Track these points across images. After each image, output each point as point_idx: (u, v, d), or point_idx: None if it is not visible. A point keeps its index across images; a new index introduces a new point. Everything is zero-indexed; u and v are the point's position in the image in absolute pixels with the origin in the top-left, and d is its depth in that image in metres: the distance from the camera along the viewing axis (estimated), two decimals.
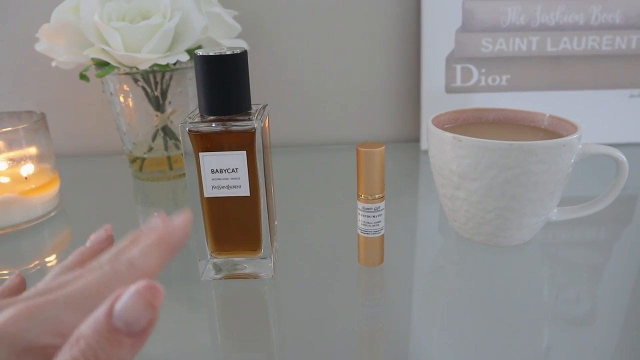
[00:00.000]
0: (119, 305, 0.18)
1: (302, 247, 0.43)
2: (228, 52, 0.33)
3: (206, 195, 0.35)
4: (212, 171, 0.34)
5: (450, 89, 0.64)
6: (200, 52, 0.33)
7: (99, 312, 0.19)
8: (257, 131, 0.34)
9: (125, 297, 0.19)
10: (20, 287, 0.26)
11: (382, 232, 0.38)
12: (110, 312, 0.18)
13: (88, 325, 0.18)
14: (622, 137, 0.64)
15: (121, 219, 0.50)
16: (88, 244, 0.26)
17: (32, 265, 0.42)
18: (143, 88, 0.54)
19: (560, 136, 0.40)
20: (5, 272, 0.41)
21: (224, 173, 0.34)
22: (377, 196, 0.36)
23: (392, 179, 0.52)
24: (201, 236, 0.37)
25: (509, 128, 0.44)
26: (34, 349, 0.19)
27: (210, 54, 0.33)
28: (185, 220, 0.23)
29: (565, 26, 0.62)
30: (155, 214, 0.24)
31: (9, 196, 0.46)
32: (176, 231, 0.22)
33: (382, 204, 0.37)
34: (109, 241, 0.26)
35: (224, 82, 0.33)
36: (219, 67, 0.33)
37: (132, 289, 0.19)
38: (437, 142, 0.39)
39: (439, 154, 0.40)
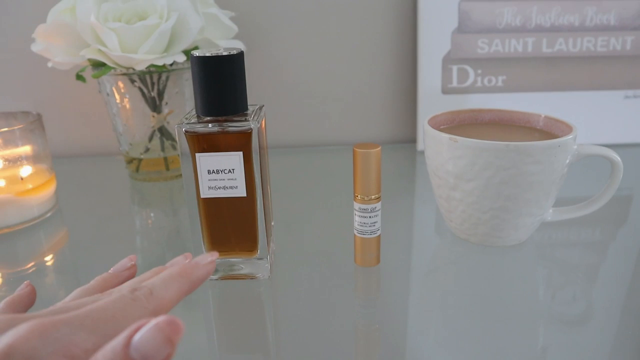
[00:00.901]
0: (137, 337, 0.18)
1: (299, 248, 0.43)
2: (224, 53, 0.33)
3: (202, 196, 0.35)
4: (209, 172, 0.34)
5: (446, 90, 0.64)
6: (196, 53, 0.33)
7: (117, 341, 0.19)
8: (253, 132, 0.34)
9: (145, 330, 0.19)
10: (30, 296, 0.26)
11: (379, 232, 0.38)
12: (128, 343, 0.18)
13: (104, 353, 0.18)
14: (618, 138, 0.65)
15: (118, 220, 0.50)
16: (111, 270, 0.26)
17: (28, 266, 0.42)
18: (140, 89, 0.54)
19: (556, 137, 0.40)
20: (1, 273, 0.41)
21: (221, 174, 0.34)
22: (373, 197, 0.36)
23: (388, 180, 0.53)
24: (198, 237, 0.37)
25: (504, 129, 0.44)
26: None
27: (207, 54, 0.33)
28: (210, 258, 0.24)
29: (561, 27, 0.62)
30: (184, 255, 0.25)
31: (5, 197, 0.46)
32: (199, 267, 0.23)
33: (378, 205, 0.37)
34: (132, 270, 0.26)
35: (221, 83, 0.33)
36: (215, 68, 0.33)
37: (153, 322, 0.19)
38: (433, 143, 0.40)
39: (435, 155, 0.40)
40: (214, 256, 0.24)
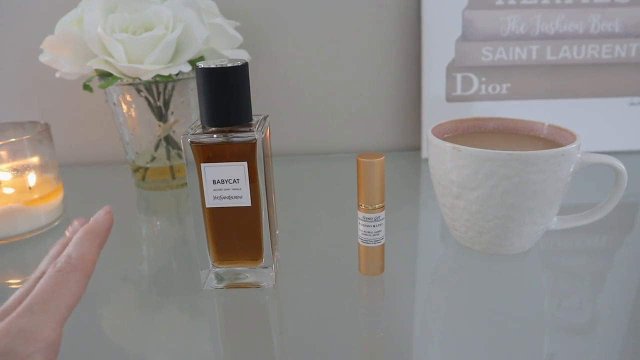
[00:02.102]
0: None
1: (303, 257, 0.43)
2: (229, 65, 0.33)
3: (208, 205, 0.35)
4: (214, 182, 0.35)
5: (450, 98, 0.64)
6: (201, 65, 0.34)
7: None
8: (258, 142, 0.34)
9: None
10: (108, 223, 0.30)
11: (383, 241, 0.38)
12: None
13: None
14: (623, 145, 0.65)
15: (124, 228, 0.51)
16: (67, 234, 0.29)
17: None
18: (146, 98, 0.55)
19: (559, 145, 0.40)
20: (10, 281, 0.41)
21: (226, 184, 0.35)
22: (377, 206, 0.36)
23: (393, 188, 0.53)
24: (203, 246, 0.37)
25: (508, 137, 0.44)
26: (23, 359, 0.21)
27: (212, 66, 0.33)
28: (104, 211, 0.28)
29: (565, 35, 0.63)
30: (77, 220, 0.30)
31: (13, 206, 0.46)
32: (99, 222, 0.27)
33: (382, 214, 0.37)
34: (109, 214, 0.30)
35: (225, 94, 0.34)
36: (220, 79, 0.34)
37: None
38: (436, 152, 0.40)
39: (438, 164, 0.40)
40: (107, 208, 0.28)
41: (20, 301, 0.24)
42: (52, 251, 0.28)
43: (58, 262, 0.25)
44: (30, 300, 0.23)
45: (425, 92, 0.64)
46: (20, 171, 0.47)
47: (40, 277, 0.25)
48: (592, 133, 0.64)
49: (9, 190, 0.47)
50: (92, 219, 0.28)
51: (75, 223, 0.30)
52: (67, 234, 0.29)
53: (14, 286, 0.41)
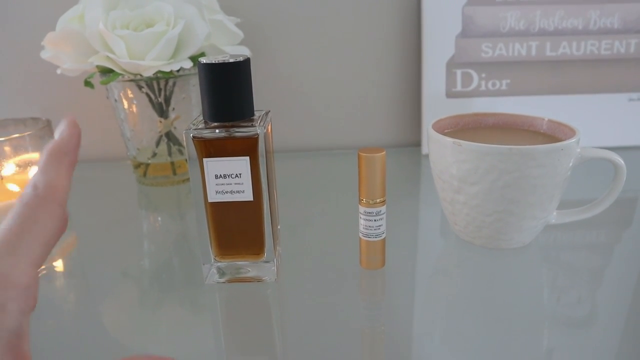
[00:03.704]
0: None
1: (305, 251, 0.43)
2: (231, 60, 0.34)
3: (210, 200, 0.36)
4: (216, 176, 0.35)
5: (450, 94, 0.64)
6: (203, 60, 0.34)
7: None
8: (260, 137, 0.34)
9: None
10: (75, 138, 0.24)
11: (384, 235, 0.38)
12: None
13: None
14: (622, 141, 0.65)
15: (125, 224, 0.51)
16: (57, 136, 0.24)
17: (38, 270, 0.42)
18: (147, 94, 0.55)
19: (559, 140, 0.40)
20: None
21: (228, 178, 0.35)
22: (378, 200, 0.37)
23: (393, 183, 0.53)
24: (205, 240, 0.37)
25: (508, 132, 0.44)
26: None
27: (214, 61, 0.34)
28: (67, 125, 0.23)
29: (564, 31, 0.63)
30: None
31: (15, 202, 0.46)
32: (63, 139, 0.22)
33: (383, 208, 0.37)
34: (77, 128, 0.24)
35: (227, 89, 0.34)
36: (222, 74, 0.34)
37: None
38: (437, 147, 0.40)
39: (439, 159, 0.40)
40: (71, 117, 0.23)
41: None
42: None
43: (24, 195, 0.21)
44: None
45: (425, 88, 0.64)
46: (22, 167, 0.47)
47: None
48: (591, 129, 0.64)
49: (11, 186, 0.47)
50: (55, 135, 0.23)
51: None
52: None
53: None
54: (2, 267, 0.19)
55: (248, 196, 0.35)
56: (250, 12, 0.64)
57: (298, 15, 0.65)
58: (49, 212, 0.21)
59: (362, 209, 0.37)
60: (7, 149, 0.46)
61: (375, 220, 0.37)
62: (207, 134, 0.34)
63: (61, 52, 0.51)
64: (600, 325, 0.34)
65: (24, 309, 0.19)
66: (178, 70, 0.52)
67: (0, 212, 0.46)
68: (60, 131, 0.23)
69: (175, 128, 0.57)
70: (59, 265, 0.43)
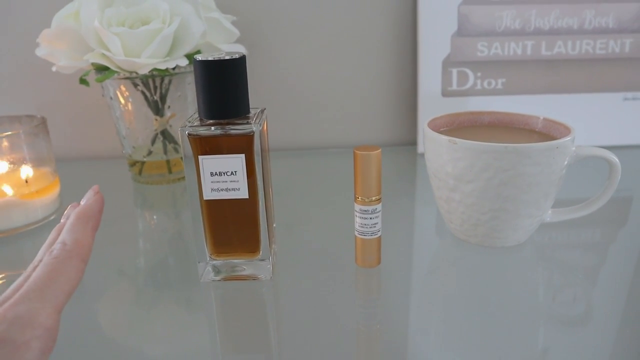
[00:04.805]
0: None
1: (300, 249, 0.43)
2: (227, 57, 0.34)
3: (205, 197, 0.36)
4: (212, 174, 0.35)
5: (446, 93, 0.64)
6: (199, 57, 0.34)
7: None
8: (255, 135, 0.34)
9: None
10: (98, 204, 0.30)
11: (379, 233, 0.38)
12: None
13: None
14: (617, 140, 0.65)
15: (121, 222, 0.51)
16: (62, 220, 0.29)
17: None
18: (142, 92, 0.55)
19: (554, 139, 0.40)
20: (6, 275, 0.41)
21: (223, 176, 0.35)
22: (373, 198, 0.37)
23: (389, 182, 0.53)
24: (200, 238, 0.37)
25: (503, 131, 0.44)
26: (20, 345, 0.21)
27: (209, 59, 0.33)
28: (93, 192, 0.28)
29: (560, 30, 0.63)
30: (71, 205, 0.30)
31: (10, 199, 0.46)
32: (89, 204, 0.27)
33: (378, 206, 0.37)
34: (99, 194, 0.30)
35: (223, 86, 0.34)
36: (218, 71, 0.34)
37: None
38: (432, 145, 0.40)
39: (434, 157, 0.40)
40: (95, 188, 0.28)
41: (18, 290, 0.24)
42: (49, 239, 0.28)
43: (53, 249, 0.25)
44: (27, 287, 0.23)
45: (421, 87, 0.64)
46: (16, 164, 0.47)
47: (37, 265, 0.25)
48: (586, 128, 0.64)
49: (5, 184, 0.47)
50: (82, 201, 0.27)
51: (70, 208, 0.30)
52: (63, 220, 0.29)
53: (10, 279, 0.41)
54: (31, 310, 0.22)
55: (243, 194, 0.35)
56: (246, 10, 0.64)
57: (294, 14, 0.65)
58: (73, 266, 0.24)
59: (357, 206, 0.37)
60: (1, 146, 0.46)
61: (370, 218, 0.37)
62: (202, 131, 0.34)
63: (56, 50, 0.51)
64: (595, 323, 0.34)
65: (45, 349, 0.22)
66: (174, 68, 0.52)
67: None
68: (86, 198, 0.27)
69: (170, 126, 0.57)
70: None
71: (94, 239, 0.26)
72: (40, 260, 0.25)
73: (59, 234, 0.28)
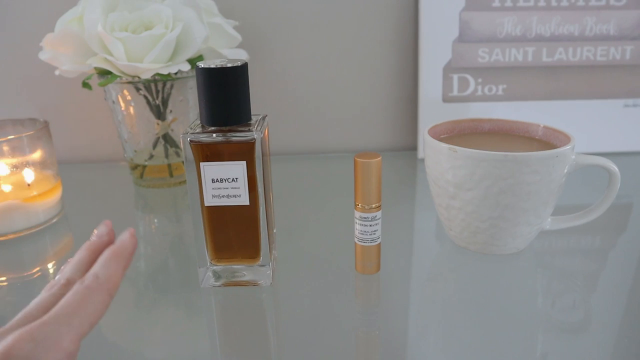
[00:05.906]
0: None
1: (300, 255, 0.43)
2: (229, 65, 0.34)
3: (206, 204, 0.36)
4: (213, 180, 0.35)
5: (447, 99, 0.64)
6: (201, 65, 0.34)
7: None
8: (256, 142, 0.34)
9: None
10: (131, 244, 0.29)
11: (379, 240, 0.38)
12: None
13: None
14: (617, 146, 0.65)
15: (122, 225, 0.51)
16: (93, 238, 0.30)
17: (34, 271, 0.42)
18: (144, 96, 0.55)
19: (554, 147, 0.40)
20: (8, 278, 0.42)
21: (224, 182, 0.35)
22: (373, 206, 0.37)
23: (389, 188, 0.53)
24: (201, 244, 0.37)
25: (504, 138, 0.45)
26: None
27: (212, 66, 0.34)
28: (129, 236, 0.28)
29: (561, 37, 0.63)
30: (104, 223, 0.30)
31: (12, 202, 0.46)
32: (125, 245, 0.28)
33: (378, 213, 0.37)
34: (110, 235, 0.30)
35: (225, 93, 0.34)
36: (220, 79, 0.34)
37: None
38: (432, 153, 0.40)
39: (434, 164, 0.40)
40: (131, 230, 0.29)
41: (44, 307, 0.25)
42: (77, 256, 0.28)
43: (86, 279, 0.25)
44: (57, 310, 0.24)
45: (421, 92, 0.64)
46: (19, 168, 0.47)
47: (65, 285, 0.26)
48: (587, 134, 0.65)
49: (7, 187, 0.47)
50: (118, 240, 0.28)
51: (103, 228, 0.30)
52: (93, 237, 0.29)
53: (12, 282, 0.41)
54: (58, 334, 0.23)
55: (244, 200, 0.36)
56: (248, 15, 0.64)
57: (296, 19, 0.65)
58: (101, 299, 0.25)
59: (357, 214, 0.37)
60: (3, 149, 0.46)
61: (370, 226, 0.37)
62: (204, 138, 0.34)
63: (60, 54, 0.51)
64: (594, 330, 0.34)
65: None
66: (176, 73, 0.52)
67: None
68: (122, 238, 0.28)
69: (172, 130, 0.57)
70: (55, 266, 0.43)
71: (123, 277, 0.27)
72: (68, 279, 0.26)
73: (87, 252, 0.28)
